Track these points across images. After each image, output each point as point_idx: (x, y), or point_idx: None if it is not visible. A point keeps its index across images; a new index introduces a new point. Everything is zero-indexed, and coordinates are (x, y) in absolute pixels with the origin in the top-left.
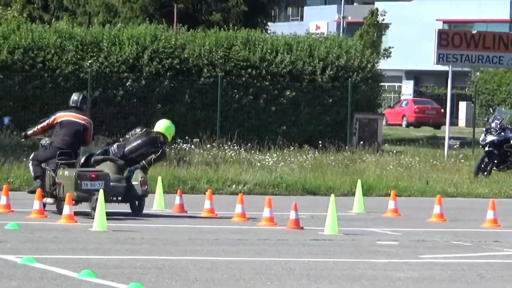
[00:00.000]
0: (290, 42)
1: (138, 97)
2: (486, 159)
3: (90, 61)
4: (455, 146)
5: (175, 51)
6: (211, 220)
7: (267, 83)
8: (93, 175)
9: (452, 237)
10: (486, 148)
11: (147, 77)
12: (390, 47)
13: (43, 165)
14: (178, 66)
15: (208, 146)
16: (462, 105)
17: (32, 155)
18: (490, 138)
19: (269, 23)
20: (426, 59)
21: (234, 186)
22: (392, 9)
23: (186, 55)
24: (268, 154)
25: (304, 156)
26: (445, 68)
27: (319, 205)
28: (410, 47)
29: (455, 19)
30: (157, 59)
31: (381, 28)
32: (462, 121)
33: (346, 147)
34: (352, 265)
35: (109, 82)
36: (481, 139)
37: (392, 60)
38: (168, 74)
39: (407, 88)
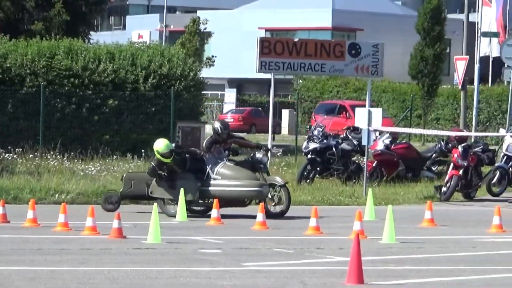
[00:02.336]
0: (112, 51)
1: None
2: (308, 167)
3: None
4: (278, 154)
5: None
6: (34, 229)
7: (90, 92)
8: None
9: (275, 245)
10: (309, 156)
11: None
12: (213, 56)
13: None
14: (0, 76)
15: (31, 155)
16: (285, 113)
17: None
18: (312, 145)
19: (91, 32)
20: (248, 67)
21: (57, 195)
22: (215, 18)
23: (8, 65)
24: (91, 163)
25: (127, 165)
26: (267, 76)
27: (142, 214)
28: (233, 55)
29: (278, 27)
30: None
31: (204, 36)
32: (285, 129)
33: None
34: (175, 274)
35: None
36: (303, 146)
37: (215, 68)
38: None
39: (230, 96)
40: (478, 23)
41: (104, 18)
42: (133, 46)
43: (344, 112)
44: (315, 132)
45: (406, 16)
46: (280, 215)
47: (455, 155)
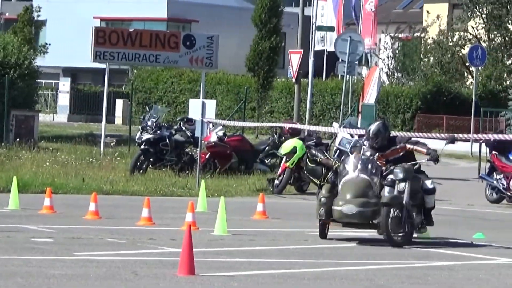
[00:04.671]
0: None
1: None
2: (142, 157)
3: None
4: (111, 144)
5: None
6: None
7: None
8: None
9: (107, 235)
10: (142, 146)
11: None
12: (47, 44)
13: None
14: None
15: None
16: (119, 103)
17: None
18: (146, 136)
19: None
20: (83, 56)
21: None
22: (49, 6)
23: None
24: None
25: None
26: (102, 65)
27: None
28: (68, 44)
29: (113, 17)
30: None
31: (37, 24)
32: (119, 119)
33: (3, 144)
34: (5, 262)
35: None
36: (137, 137)
37: (50, 57)
38: None
39: (64, 85)
40: (313, 17)
41: None
42: None
43: None
44: (149, 123)
45: (242, 9)
46: None
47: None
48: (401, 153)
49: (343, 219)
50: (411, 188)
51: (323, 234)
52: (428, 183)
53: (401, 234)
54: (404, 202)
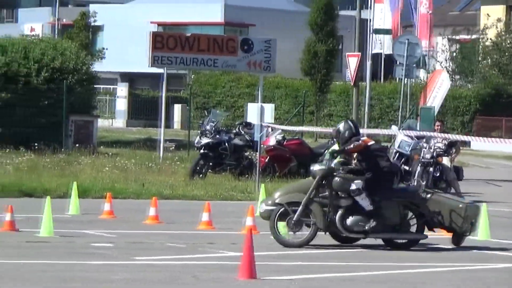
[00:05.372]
0: (4, 44)
1: None
2: (201, 162)
3: None
4: (170, 149)
5: None
6: None
7: None
8: None
9: (167, 239)
10: (201, 151)
11: None
12: (104, 49)
13: None
14: None
15: None
16: (177, 108)
17: None
18: (205, 140)
19: None
20: (140, 61)
21: None
22: (106, 11)
23: None
24: None
25: (20, 158)
26: (159, 70)
27: (35, 207)
28: (125, 49)
29: (169, 21)
30: None
31: (94, 30)
32: (177, 124)
33: (62, 149)
34: (65, 267)
35: None
36: (196, 141)
37: (107, 62)
38: None
39: (122, 90)
40: (370, 20)
41: None
42: (26, 39)
43: None
44: (208, 127)
45: (298, 12)
46: None
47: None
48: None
49: None
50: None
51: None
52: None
53: None
54: None
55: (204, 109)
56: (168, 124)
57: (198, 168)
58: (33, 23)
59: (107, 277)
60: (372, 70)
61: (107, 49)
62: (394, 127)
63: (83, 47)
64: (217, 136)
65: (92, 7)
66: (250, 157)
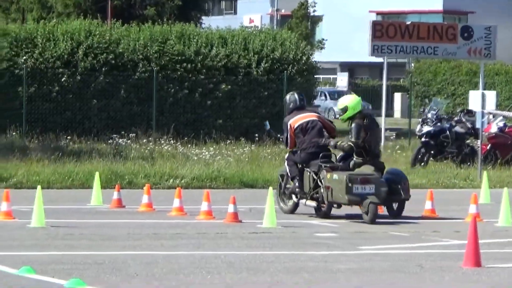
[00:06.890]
0: (224, 36)
1: (74, 93)
2: (423, 150)
3: (24, 57)
4: (391, 137)
5: (109, 46)
6: (149, 214)
7: (202, 76)
8: (364, 179)
9: (390, 228)
10: (423, 139)
11: (82, 72)
12: (323, 39)
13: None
14: (113, 61)
15: (145, 140)
16: (397, 96)
17: (287, 155)
18: (426, 128)
19: (203, 17)
20: (360, 50)
21: (171, 180)
22: (325, 1)
23: (121, 50)
24: (204, 147)
25: (241, 149)
26: (379, 59)
27: (257, 198)
28: (344, 39)
29: (388, 10)
30: (92, 54)
31: (314, 20)
32: (397, 112)
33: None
34: (291, 258)
35: (44, 78)
36: (417, 130)
37: (326, 52)
38: (103, 69)
39: (342, 80)
40: None
41: (215, 2)
42: (245, 30)
43: None
44: (429, 115)
45: None
46: None
47: None
48: None
49: None
50: None
51: None
52: None
53: None
54: None
55: (424, 97)
56: (389, 112)
57: (419, 156)
58: (252, 14)
59: (333, 267)
60: None
61: (326, 40)
62: None
63: (303, 38)
64: (439, 124)
65: None
66: (471, 144)
